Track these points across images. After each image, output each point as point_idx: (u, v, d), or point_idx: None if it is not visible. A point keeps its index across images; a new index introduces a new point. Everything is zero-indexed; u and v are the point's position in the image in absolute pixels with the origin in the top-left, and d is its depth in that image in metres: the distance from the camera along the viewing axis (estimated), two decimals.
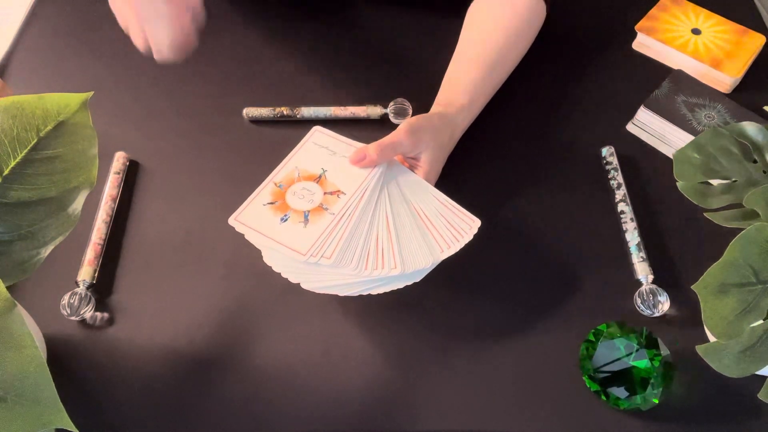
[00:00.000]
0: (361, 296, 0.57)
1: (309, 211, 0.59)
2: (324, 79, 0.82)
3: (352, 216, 0.59)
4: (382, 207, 0.60)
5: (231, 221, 0.59)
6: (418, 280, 0.57)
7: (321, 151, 0.65)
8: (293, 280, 0.57)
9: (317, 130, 0.67)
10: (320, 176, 0.62)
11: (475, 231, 0.59)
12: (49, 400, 0.39)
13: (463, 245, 0.58)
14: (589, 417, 0.56)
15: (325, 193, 0.61)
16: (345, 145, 0.65)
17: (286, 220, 0.59)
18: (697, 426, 0.56)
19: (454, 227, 0.59)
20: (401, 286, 0.57)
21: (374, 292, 0.56)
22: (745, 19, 0.85)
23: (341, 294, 0.56)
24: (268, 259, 0.59)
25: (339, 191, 0.61)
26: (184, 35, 0.60)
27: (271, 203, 0.60)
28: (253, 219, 0.59)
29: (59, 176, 0.47)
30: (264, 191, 0.62)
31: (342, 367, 0.59)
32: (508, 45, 0.76)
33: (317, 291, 0.56)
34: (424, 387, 0.58)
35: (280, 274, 0.57)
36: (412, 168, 0.65)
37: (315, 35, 0.87)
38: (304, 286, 0.56)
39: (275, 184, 0.62)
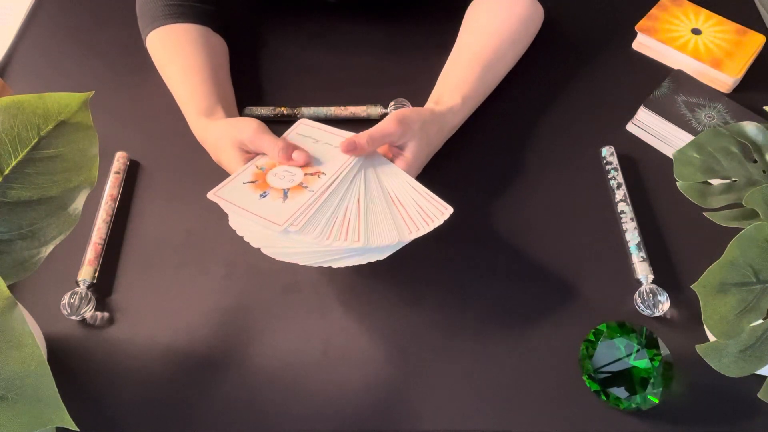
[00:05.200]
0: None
1: (288, 189, 0.60)
2: (324, 79, 0.82)
3: (326, 190, 0.59)
4: (355, 185, 0.61)
5: (210, 195, 0.60)
6: (381, 257, 0.56)
7: (305, 140, 0.66)
8: (254, 244, 0.57)
9: (303, 122, 0.68)
10: None
11: (446, 217, 0.58)
12: (49, 398, 0.39)
13: (432, 229, 0.57)
14: (589, 417, 0.56)
15: (305, 174, 0.61)
16: (328, 134, 0.66)
17: (266, 196, 0.59)
18: (697, 426, 0.56)
19: (425, 212, 0.59)
20: (364, 261, 0.56)
21: (335, 264, 0.56)
22: (745, 19, 0.85)
23: (302, 263, 0.56)
24: (233, 223, 0.59)
25: (319, 171, 0.61)
26: None
27: (252, 182, 0.61)
28: (232, 194, 0.60)
29: (60, 176, 0.47)
30: (245, 172, 0.62)
31: (342, 366, 0.59)
32: (505, 46, 0.76)
33: (278, 258, 0.56)
34: (424, 387, 0.58)
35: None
36: (395, 156, 0.65)
37: (315, 35, 0.87)
38: (264, 251, 0.56)
39: (257, 167, 0.63)
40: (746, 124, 0.58)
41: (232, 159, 0.64)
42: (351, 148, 0.61)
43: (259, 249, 0.57)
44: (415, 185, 0.62)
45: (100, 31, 0.88)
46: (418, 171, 0.66)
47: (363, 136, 0.62)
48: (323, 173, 0.61)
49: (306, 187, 0.60)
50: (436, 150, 0.70)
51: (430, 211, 0.59)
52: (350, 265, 0.56)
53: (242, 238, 0.58)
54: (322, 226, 0.56)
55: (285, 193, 0.59)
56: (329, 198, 0.59)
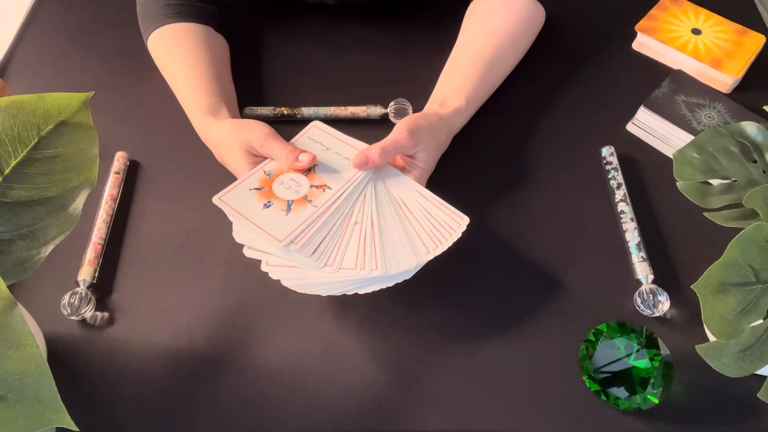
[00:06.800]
0: (359, 295, 0.57)
1: (293, 201, 0.60)
2: (324, 79, 0.82)
3: (329, 209, 0.59)
4: (362, 202, 0.60)
5: (215, 200, 0.60)
6: (399, 280, 0.56)
7: (315, 146, 0.65)
8: (274, 276, 0.57)
9: (315, 125, 0.68)
10: (310, 170, 0.63)
11: (464, 228, 0.58)
12: (49, 398, 0.39)
13: (450, 244, 0.57)
14: (589, 417, 0.56)
15: (311, 186, 0.61)
16: (339, 142, 0.66)
17: (269, 206, 0.59)
18: (697, 426, 0.56)
19: (441, 225, 0.59)
20: (384, 286, 0.56)
21: (360, 291, 0.56)
22: (745, 19, 0.85)
23: (324, 294, 0.56)
24: (239, 237, 0.59)
25: (325, 185, 0.61)
26: None
27: (258, 189, 0.61)
28: (237, 201, 0.60)
29: (60, 176, 0.47)
30: (253, 177, 0.62)
31: (341, 366, 0.59)
32: (506, 47, 0.76)
33: (300, 290, 0.56)
34: (424, 387, 0.58)
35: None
36: (407, 166, 0.65)
37: (315, 35, 0.87)
38: (284, 283, 0.56)
39: (265, 172, 0.63)
40: (746, 124, 0.58)
41: (238, 161, 0.64)
42: (363, 164, 0.61)
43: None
44: (428, 195, 0.61)
45: (100, 31, 0.88)
46: (427, 178, 0.66)
47: (375, 149, 0.61)
48: (329, 187, 0.61)
49: (310, 201, 0.60)
50: (443, 152, 0.70)
51: (446, 224, 0.59)
52: (372, 290, 0.56)
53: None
54: (323, 247, 0.57)
55: (288, 206, 0.59)
56: (332, 216, 0.59)
